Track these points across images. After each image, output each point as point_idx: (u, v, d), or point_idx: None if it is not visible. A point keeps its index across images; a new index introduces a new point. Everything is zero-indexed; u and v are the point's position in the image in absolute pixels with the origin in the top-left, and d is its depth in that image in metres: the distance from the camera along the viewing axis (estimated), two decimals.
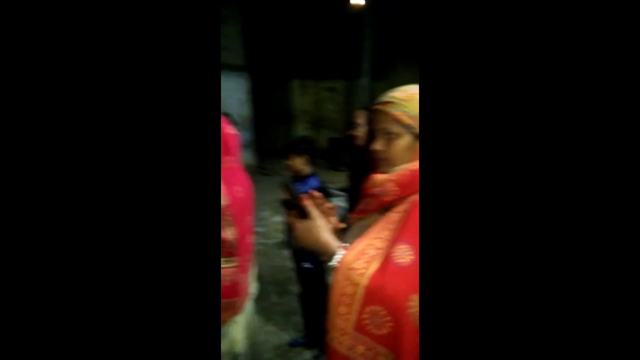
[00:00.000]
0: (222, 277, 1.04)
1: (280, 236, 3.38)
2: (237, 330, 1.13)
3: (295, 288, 2.34)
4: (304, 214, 0.64)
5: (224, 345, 1.10)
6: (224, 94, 5.86)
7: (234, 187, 1.11)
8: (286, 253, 2.81)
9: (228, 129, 1.13)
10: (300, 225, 0.64)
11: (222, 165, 1.11)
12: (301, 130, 8.61)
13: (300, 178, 1.76)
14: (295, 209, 0.66)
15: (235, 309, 1.09)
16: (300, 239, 0.64)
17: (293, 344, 1.98)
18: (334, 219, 0.69)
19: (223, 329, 1.09)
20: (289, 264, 2.53)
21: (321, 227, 0.63)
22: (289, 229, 1.83)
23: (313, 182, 1.75)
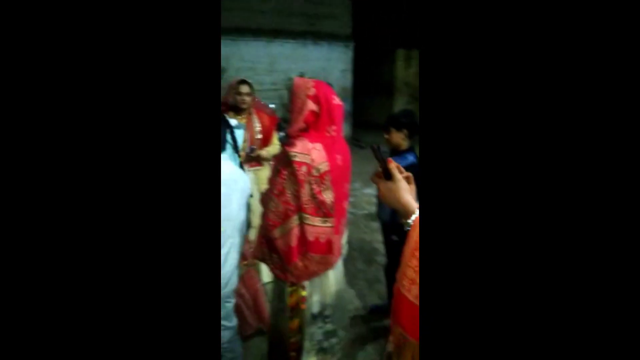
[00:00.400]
0: (318, 235, 1.16)
1: (369, 208, 3.45)
2: (328, 284, 1.25)
3: (381, 259, 2.41)
4: (388, 176, 0.70)
5: (316, 294, 1.24)
6: (327, 64, 5.94)
7: (335, 155, 1.20)
8: (375, 225, 2.88)
9: (334, 100, 1.21)
10: (383, 185, 0.71)
11: (326, 134, 1.20)
12: (401, 104, 8.25)
13: (397, 152, 1.75)
14: (381, 170, 0.73)
15: (328, 264, 1.21)
16: (383, 197, 0.71)
17: (374, 309, 2.08)
18: (412, 187, 0.73)
19: (317, 280, 1.23)
20: (377, 236, 2.60)
21: (403, 189, 0.68)
22: (380, 202, 1.88)
23: (410, 157, 1.73)
